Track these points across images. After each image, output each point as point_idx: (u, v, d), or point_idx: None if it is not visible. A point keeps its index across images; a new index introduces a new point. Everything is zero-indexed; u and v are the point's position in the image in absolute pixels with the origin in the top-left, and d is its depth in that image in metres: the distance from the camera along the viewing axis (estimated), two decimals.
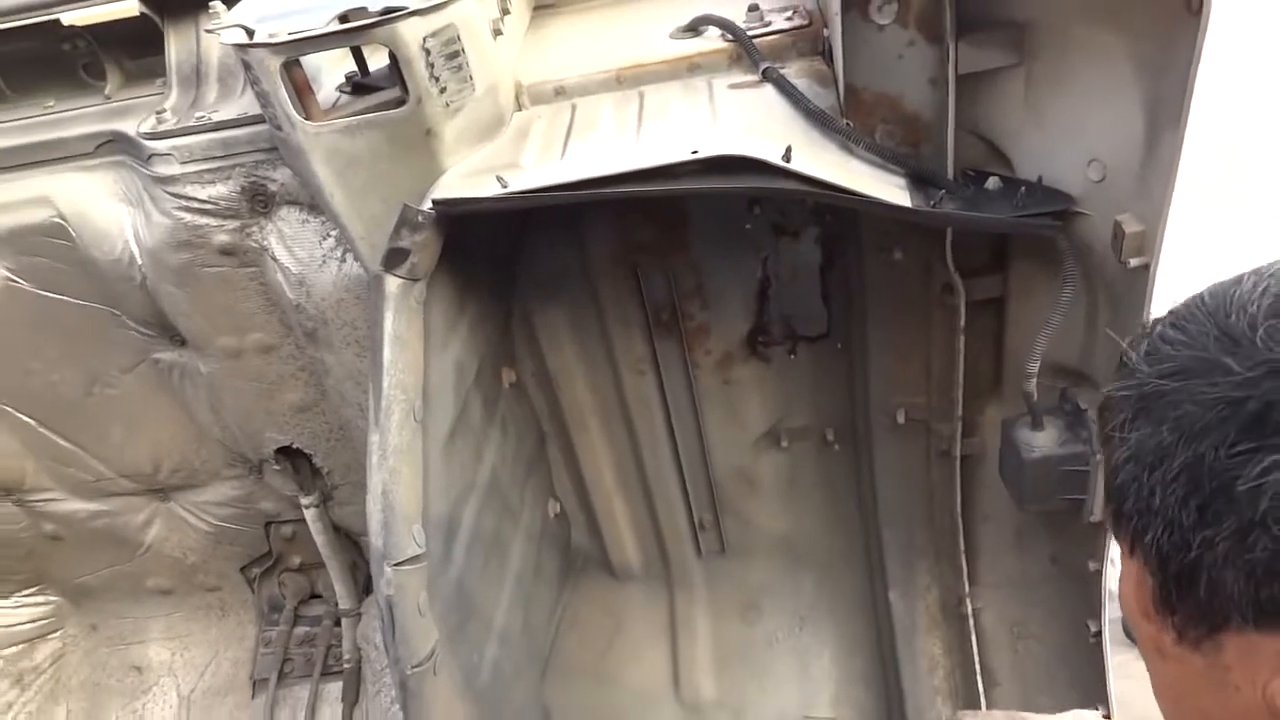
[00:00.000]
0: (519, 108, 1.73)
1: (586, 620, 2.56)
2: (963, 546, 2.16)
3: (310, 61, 1.52)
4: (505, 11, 1.74)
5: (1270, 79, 4.91)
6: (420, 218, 1.49)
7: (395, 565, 1.58)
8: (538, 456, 2.36)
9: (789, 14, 1.72)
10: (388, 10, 1.39)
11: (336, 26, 1.41)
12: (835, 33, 1.50)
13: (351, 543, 2.57)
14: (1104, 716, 1.34)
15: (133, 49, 1.87)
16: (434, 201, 1.50)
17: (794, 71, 1.64)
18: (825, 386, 2.23)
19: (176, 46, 1.80)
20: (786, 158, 1.37)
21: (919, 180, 1.50)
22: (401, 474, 1.58)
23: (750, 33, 1.67)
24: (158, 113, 1.78)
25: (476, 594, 1.95)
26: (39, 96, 1.92)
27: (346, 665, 2.63)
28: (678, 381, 2.23)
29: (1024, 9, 1.39)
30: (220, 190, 1.78)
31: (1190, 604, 0.65)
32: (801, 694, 2.47)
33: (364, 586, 2.65)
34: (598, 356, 2.20)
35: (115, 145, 1.84)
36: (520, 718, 2.17)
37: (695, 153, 1.40)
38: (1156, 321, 0.70)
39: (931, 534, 2.21)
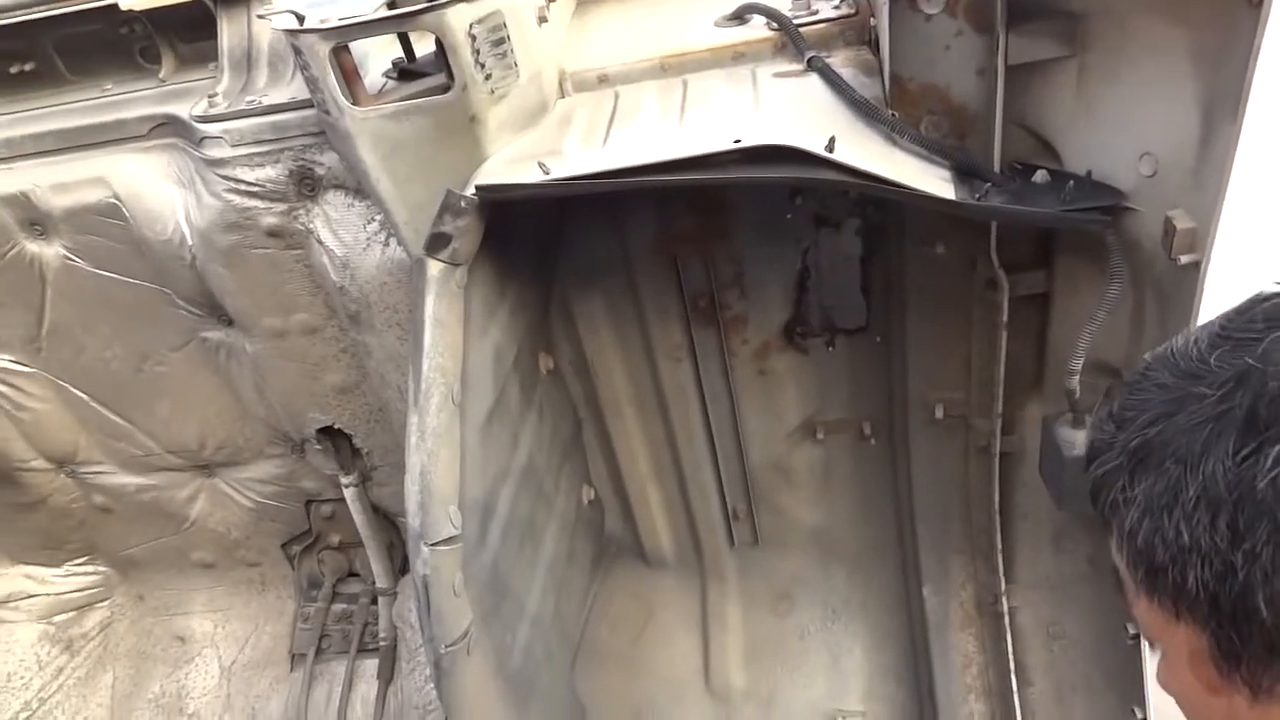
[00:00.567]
0: (562, 95, 1.73)
1: (618, 607, 2.57)
2: (999, 544, 2.14)
3: (358, 47, 1.54)
4: None
5: None
6: (463, 203, 1.50)
7: (431, 545, 1.60)
8: (573, 443, 2.37)
9: (836, 3, 1.71)
10: None
11: (385, 13, 1.43)
12: (882, 22, 1.49)
13: (389, 523, 2.61)
14: None
15: (187, 33, 1.91)
16: (477, 187, 1.51)
17: (839, 61, 1.63)
18: (863, 380, 2.21)
19: (229, 31, 1.83)
20: (830, 148, 1.36)
21: (964, 172, 1.48)
22: (439, 456, 1.60)
23: (796, 21, 1.66)
24: (210, 96, 1.82)
25: (510, 577, 1.97)
26: (97, 79, 1.96)
27: (382, 643, 2.67)
28: (714, 371, 2.23)
29: (1080, 0, 1.36)
30: (268, 173, 1.81)
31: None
32: (831, 687, 2.47)
33: (401, 566, 2.69)
34: (635, 344, 2.21)
35: (169, 128, 1.88)
36: (551, 701, 2.19)
37: (738, 142, 1.39)
38: (1110, 403, 0.74)
39: (968, 531, 2.19)
